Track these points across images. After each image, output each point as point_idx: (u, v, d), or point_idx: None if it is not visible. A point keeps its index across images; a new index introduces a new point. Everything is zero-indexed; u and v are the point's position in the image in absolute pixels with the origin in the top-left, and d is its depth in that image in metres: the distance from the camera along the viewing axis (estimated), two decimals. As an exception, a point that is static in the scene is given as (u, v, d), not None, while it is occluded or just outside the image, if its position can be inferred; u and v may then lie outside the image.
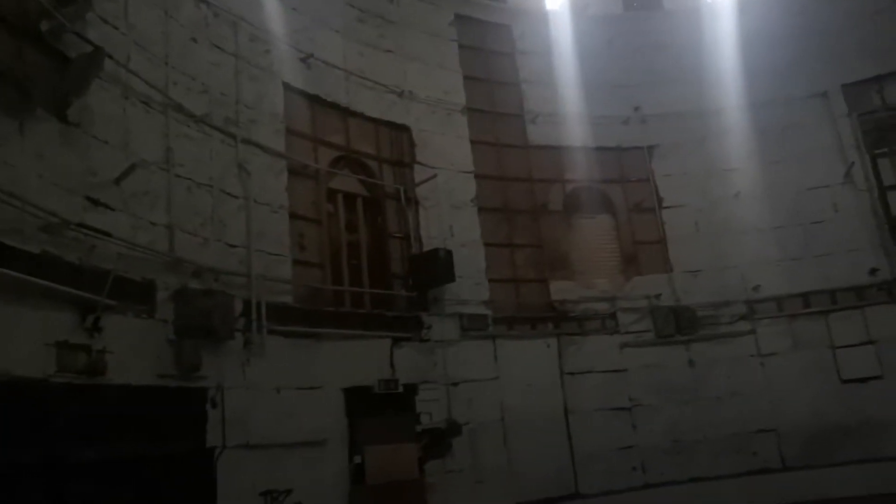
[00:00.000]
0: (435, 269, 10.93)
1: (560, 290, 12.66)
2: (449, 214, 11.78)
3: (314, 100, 10.50)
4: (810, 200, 13.03)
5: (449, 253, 10.98)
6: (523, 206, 12.94)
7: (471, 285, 11.60)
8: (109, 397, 6.39)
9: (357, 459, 9.39)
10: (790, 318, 12.72)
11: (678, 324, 12.68)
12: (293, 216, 9.60)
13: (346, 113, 10.98)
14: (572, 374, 12.12)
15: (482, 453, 10.88)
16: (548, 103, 13.33)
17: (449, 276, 10.92)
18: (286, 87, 9.99)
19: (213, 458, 7.60)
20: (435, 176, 11.62)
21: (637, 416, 12.21)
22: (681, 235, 13.39)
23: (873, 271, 12.41)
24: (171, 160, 7.83)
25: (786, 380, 12.36)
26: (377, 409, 9.74)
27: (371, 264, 10.90)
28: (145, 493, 6.56)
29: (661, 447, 12.05)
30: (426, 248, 11.19)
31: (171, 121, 7.97)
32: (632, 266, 13.32)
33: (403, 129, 11.77)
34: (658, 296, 12.92)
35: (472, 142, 12.60)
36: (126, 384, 6.61)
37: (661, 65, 13.80)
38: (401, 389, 10.15)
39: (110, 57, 6.92)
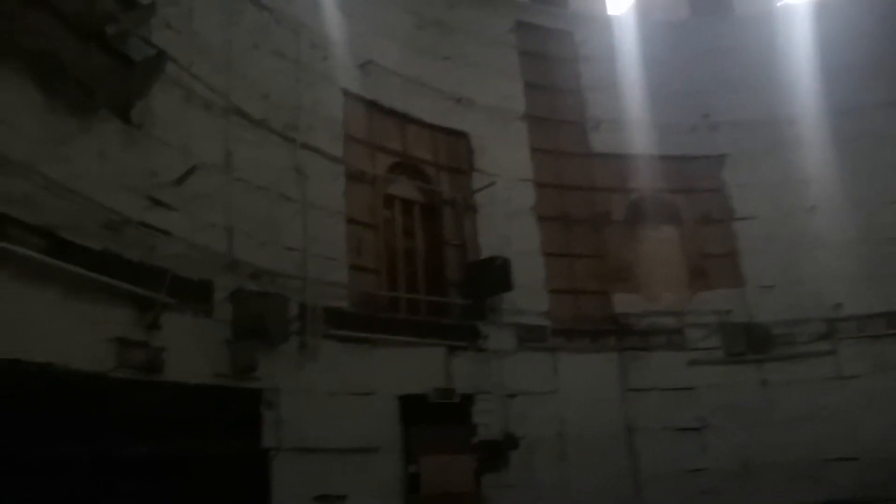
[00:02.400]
0: (492, 277, 10.73)
1: (623, 302, 12.23)
2: (507, 222, 11.56)
3: (372, 106, 10.52)
4: (891, 214, 12.20)
5: (506, 261, 10.75)
6: (584, 215, 12.60)
7: (529, 295, 11.30)
8: (166, 394, 6.44)
9: (412, 469, 9.21)
10: (873, 339, 11.87)
11: (750, 341, 12.05)
12: (350, 221, 9.59)
13: (403, 119, 10.95)
14: (636, 390, 11.64)
15: (539, 469, 10.52)
16: (611, 110, 12.99)
17: (506, 284, 10.68)
18: (344, 93, 10.05)
19: (268, 460, 7.56)
20: (493, 183, 11.44)
21: (706, 437, 11.58)
22: (753, 248, 12.75)
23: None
24: (230, 163, 7.93)
25: (868, 405, 11.48)
26: (432, 419, 9.54)
27: (427, 271, 10.78)
28: (199, 492, 6.54)
29: (730, 470, 11.36)
30: (483, 255, 11.00)
31: (231, 125, 8.09)
32: (699, 279, 12.75)
33: (461, 135, 11.66)
34: (728, 311, 12.31)
35: (532, 149, 12.38)
36: (183, 382, 6.66)
37: (730, 71, 13.28)
38: (457, 399, 9.93)
39: (173, 61, 7.06)
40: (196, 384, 6.80)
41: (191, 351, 6.81)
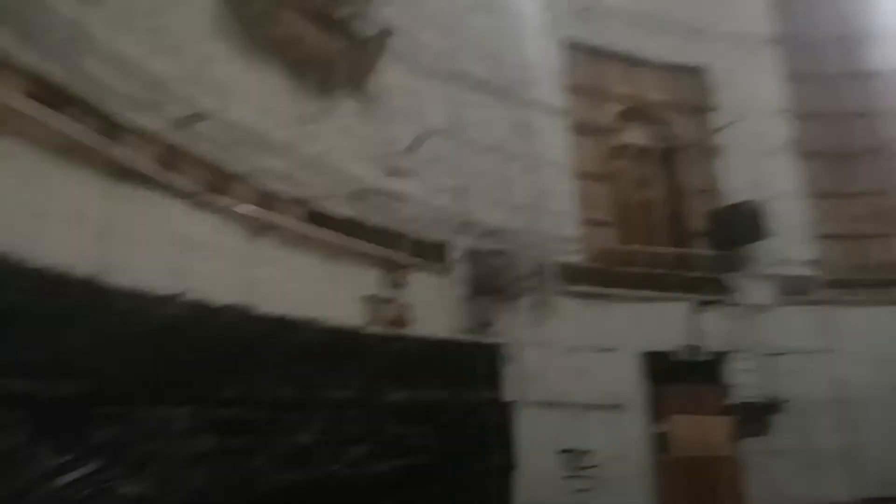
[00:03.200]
0: (742, 224, 9.67)
1: (915, 245, 10.24)
2: (757, 163, 10.27)
3: (596, 52, 10.07)
4: None
5: (759, 206, 9.60)
6: (858, 146, 10.72)
7: (790, 243, 9.98)
8: (412, 347, 6.94)
9: (660, 428, 8.82)
10: None
11: None
12: (579, 174, 9.35)
13: (631, 61, 10.30)
14: (938, 347, 9.71)
15: (813, 435, 9.34)
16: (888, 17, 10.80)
17: (760, 232, 9.56)
18: (567, 42, 9.74)
19: (511, 412, 7.78)
20: (738, 120, 10.24)
21: None
22: None
23: None
24: (458, 126, 8.19)
25: None
26: (678, 377, 9.00)
27: (666, 222, 10.08)
28: (447, 436, 6.98)
29: None
30: (730, 201, 9.95)
31: (456, 88, 8.33)
32: None
33: (698, 70, 10.62)
34: None
35: (785, 77, 10.82)
36: (426, 336, 7.11)
37: None
38: (706, 357, 9.23)
39: (397, 34, 7.42)
40: (439, 338, 7.22)
41: (432, 307, 7.24)
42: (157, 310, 4.58)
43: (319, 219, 6.43)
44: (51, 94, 4.15)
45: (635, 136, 10.27)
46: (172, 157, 5.06)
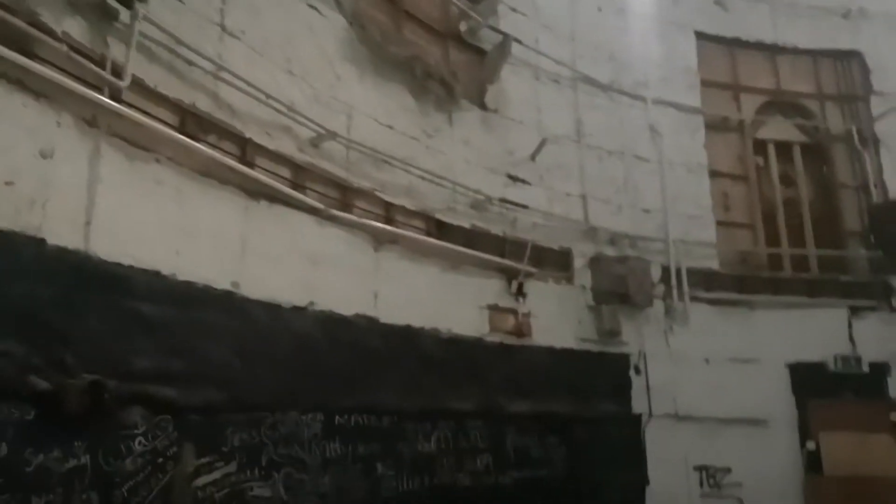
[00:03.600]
0: (906, 222, 8.67)
1: None
2: (923, 154, 9.20)
3: (733, 43, 9.43)
4: None
5: (926, 201, 8.57)
6: None
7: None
8: (535, 357, 6.86)
9: (810, 445, 8.10)
10: None
11: None
12: (714, 174, 8.80)
13: (772, 50, 9.54)
14: None
15: None
16: None
17: (927, 230, 8.52)
18: (699, 36, 9.22)
19: (641, 425, 7.49)
20: (899, 108, 9.21)
21: None
22: None
23: None
24: (581, 131, 8.01)
25: None
26: (832, 390, 8.22)
27: (816, 221, 9.24)
28: (572, 449, 6.85)
29: None
30: (890, 197, 8.95)
31: (579, 93, 8.16)
32: None
33: (852, 55, 9.65)
34: None
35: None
36: (550, 346, 7.01)
37: None
38: (865, 369, 8.36)
39: (519, 42, 7.40)
40: (563, 348, 7.08)
41: (555, 316, 7.13)
42: (289, 321, 4.86)
43: (442, 230, 6.55)
44: (195, 123, 4.56)
45: (777, 130, 9.49)
46: (303, 175, 5.37)
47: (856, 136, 9.32)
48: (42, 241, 3.35)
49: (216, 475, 4.11)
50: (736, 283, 8.47)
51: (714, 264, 8.47)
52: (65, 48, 3.60)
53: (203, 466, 4.05)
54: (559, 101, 8.02)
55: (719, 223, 8.67)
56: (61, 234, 3.45)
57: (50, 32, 3.59)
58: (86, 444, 3.44)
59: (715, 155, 8.91)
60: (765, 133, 9.42)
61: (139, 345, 3.80)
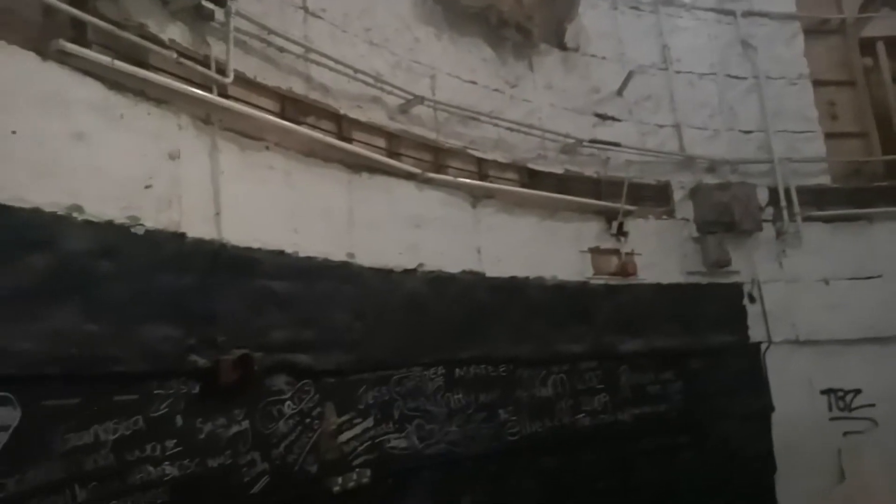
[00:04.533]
0: None
1: None
2: None
3: (827, -66, 8.70)
4: None
5: None
6: None
7: None
8: (643, 295, 6.84)
9: (947, 359, 7.68)
10: None
11: None
12: (817, 83, 8.25)
13: (874, -64, 8.73)
14: None
15: None
16: None
17: None
18: (788, -68, 8.56)
19: (760, 353, 7.35)
20: None
21: None
22: None
23: None
24: (667, 58, 7.73)
25: None
26: (968, 300, 7.70)
27: (937, 120, 8.51)
28: (690, 382, 6.85)
29: None
30: None
31: (661, 17, 7.83)
32: None
33: (970, -72, 8.67)
34: None
35: None
36: (656, 283, 6.96)
37: None
38: None
39: (592, -26, 7.18)
40: (670, 283, 7.01)
41: (659, 252, 7.04)
42: (401, 284, 5.11)
43: (535, 178, 6.58)
44: (293, 107, 4.80)
45: (886, 25, 8.70)
46: (397, 143, 5.55)
47: (982, 20, 8.46)
48: (182, 234, 3.70)
49: (357, 430, 4.48)
50: (851, 197, 8.01)
51: (825, 180, 8.04)
52: (174, 55, 3.88)
53: (345, 423, 4.42)
54: (641, 28, 7.74)
55: (828, 135, 8.16)
56: (196, 226, 3.79)
57: (158, 41, 3.87)
58: (244, 411, 3.85)
59: (817, 62, 8.34)
60: (871, 30, 8.66)
61: (274, 318, 4.14)
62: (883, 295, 7.63)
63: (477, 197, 5.94)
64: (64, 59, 3.29)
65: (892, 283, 7.67)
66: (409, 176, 5.43)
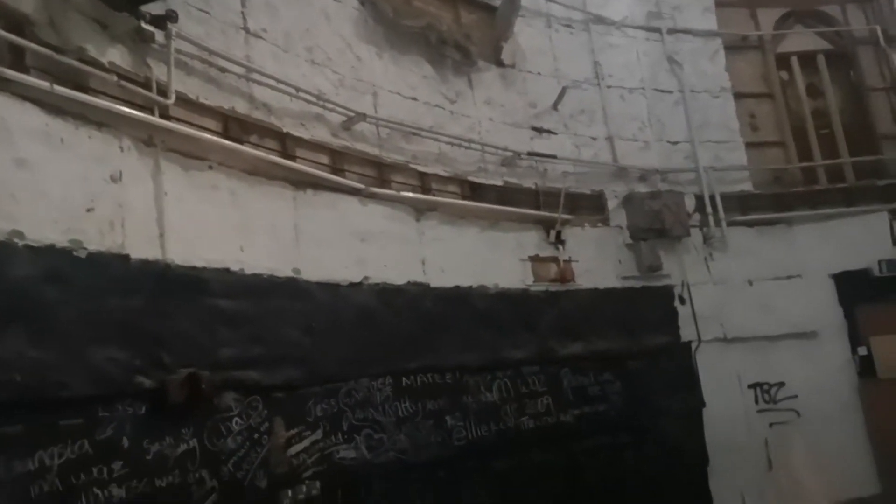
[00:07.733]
0: (943, 117, 8.57)
1: None
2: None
3: (744, -44, 9.26)
4: None
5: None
6: None
7: None
8: (581, 300, 7.13)
9: (862, 351, 8.26)
10: None
11: None
12: (738, 96, 8.79)
13: (786, -42, 9.35)
14: None
15: None
16: None
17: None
18: (708, -45, 9.07)
19: (691, 352, 7.73)
20: (927, -1, 8.98)
21: None
22: None
23: None
24: (600, 74, 8.08)
25: None
26: (879, 295, 8.28)
27: (847, 129, 9.16)
28: (627, 382, 7.16)
29: None
30: (925, 94, 8.83)
31: (594, 35, 8.19)
32: None
33: (870, -48, 9.39)
34: None
35: None
36: (594, 288, 7.27)
37: None
38: (911, 271, 8.40)
39: (528, -7, 7.46)
40: (606, 288, 7.33)
41: (595, 259, 7.36)
42: (348, 297, 5.22)
43: (476, 191, 6.79)
44: (236, 126, 4.86)
45: (799, 41, 9.35)
46: (340, 159, 5.66)
47: (881, 36, 9.16)
48: (126, 256, 3.73)
49: (306, 443, 4.57)
50: (772, 202, 8.55)
51: (748, 186, 8.55)
52: (115, 78, 3.92)
53: (293, 437, 4.50)
54: (575, 46, 8.08)
55: (749, 144, 8.70)
56: (141, 247, 3.83)
57: (99, 65, 3.90)
58: (192, 430, 3.90)
59: (737, 76, 8.88)
60: (787, 46, 9.29)
61: (223, 336, 4.20)
62: (803, 293, 8.18)
63: (420, 210, 6.10)
64: (3, 85, 3.30)
65: (812, 282, 8.23)
66: (353, 191, 5.55)
